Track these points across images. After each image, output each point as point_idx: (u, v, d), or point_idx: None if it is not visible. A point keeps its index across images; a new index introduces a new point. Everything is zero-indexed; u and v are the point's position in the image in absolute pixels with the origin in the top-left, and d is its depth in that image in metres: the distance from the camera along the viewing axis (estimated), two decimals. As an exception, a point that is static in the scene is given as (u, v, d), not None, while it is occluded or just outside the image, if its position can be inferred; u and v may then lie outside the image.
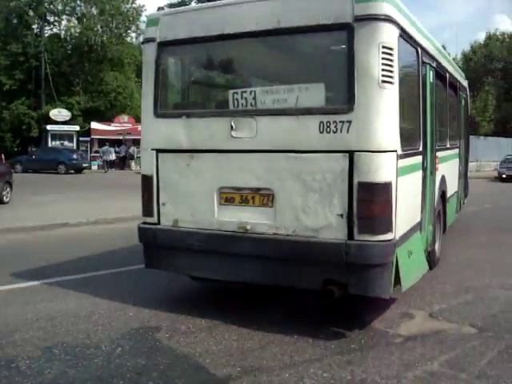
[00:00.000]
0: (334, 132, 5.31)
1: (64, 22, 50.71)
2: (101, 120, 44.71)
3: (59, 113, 43.26)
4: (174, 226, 6.23)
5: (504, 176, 33.63)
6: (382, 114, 5.21)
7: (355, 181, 5.23)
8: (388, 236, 5.30)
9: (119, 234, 12.08)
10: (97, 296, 6.95)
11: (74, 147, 41.50)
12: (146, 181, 6.38)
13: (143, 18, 50.61)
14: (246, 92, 5.95)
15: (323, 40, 5.86)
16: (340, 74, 5.47)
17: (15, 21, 48.71)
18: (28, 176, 30.84)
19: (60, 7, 49.92)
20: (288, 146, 5.55)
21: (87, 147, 42.39)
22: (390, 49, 5.23)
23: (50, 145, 41.69)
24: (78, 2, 49.88)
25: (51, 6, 49.43)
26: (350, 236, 5.29)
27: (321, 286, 5.46)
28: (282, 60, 6.52)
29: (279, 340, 5.43)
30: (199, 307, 6.48)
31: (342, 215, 5.33)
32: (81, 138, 43.00)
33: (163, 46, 6.27)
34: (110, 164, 40.93)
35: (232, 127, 5.79)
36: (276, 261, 5.63)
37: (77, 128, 42.84)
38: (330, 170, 5.35)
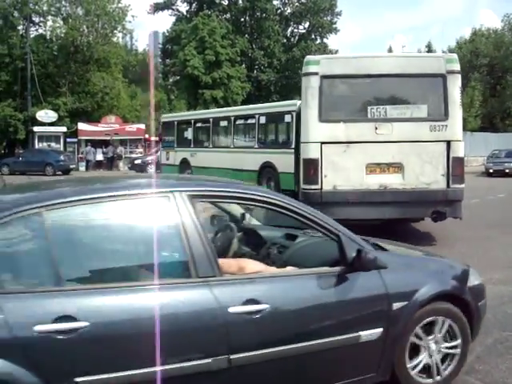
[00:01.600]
0: (439, 131, 10.40)
1: (49, 23, 50.40)
2: (88, 121, 44.52)
3: (46, 114, 42.99)
4: (334, 189, 10.20)
5: (491, 171, 33.90)
6: (460, 121, 10.73)
7: (451, 156, 10.40)
8: (463, 185, 10.65)
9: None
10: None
11: (61, 148, 41.28)
12: (312, 162, 10.30)
13: (129, 18, 50.56)
14: (380, 108, 10.59)
15: (428, 81, 10.83)
16: (440, 100, 10.63)
17: (0, 22, 48.39)
18: (15, 178, 30.62)
19: (45, 8, 49.60)
20: (411, 138, 10.31)
21: (74, 148, 42.15)
22: (460, 88, 10.74)
23: (36, 146, 41.42)
24: (63, 3, 49.56)
25: (36, 7, 49.10)
26: (448, 185, 10.42)
27: (430, 214, 10.48)
28: (402, 90, 11.06)
29: None
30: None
31: (443, 175, 10.41)
32: (68, 139, 42.74)
33: (324, 77, 10.33)
34: (97, 165, 40.76)
35: (376, 128, 10.35)
36: (404, 203, 10.18)
37: (64, 129, 42.59)
38: (436, 151, 10.41)
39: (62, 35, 48.49)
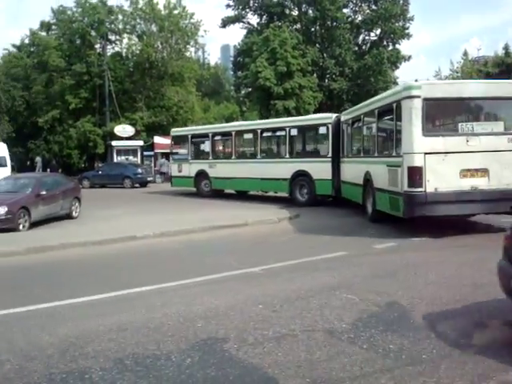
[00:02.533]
0: None
1: (125, 41, 52.22)
2: (163, 134, 45.54)
3: (123, 129, 44.38)
4: (435, 191, 11.92)
5: None
6: None
7: None
8: None
9: (184, 246, 12.30)
10: (166, 307, 7.05)
11: (139, 162, 42.42)
12: (418, 169, 11.92)
13: (201, 33, 51.54)
14: (468, 124, 12.44)
15: (507, 103, 12.66)
16: None
17: (78, 41, 50.46)
18: (95, 191, 31.75)
19: (121, 26, 51.41)
20: (494, 148, 12.08)
21: (151, 161, 43.23)
22: None
23: (115, 160, 42.74)
24: (138, 21, 51.15)
25: (112, 26, 50.98)
26: None
27: (510, 208, 11.55)
28: (486, 109, 13.37)
29: (348, 351, 5.35)
30: (266, 318, 6.47)
31: None
32: (145, 153, 43.90)
33: (425, 100, 11.96)
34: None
35: (467, 140, 12.06)
36: (490, 201, 11.99)
37: (141, 143, 43.79)
38: None
39: (138, 52, 50.03)
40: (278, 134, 22.23)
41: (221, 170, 23.91)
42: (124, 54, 52.39)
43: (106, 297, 7.82)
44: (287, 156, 21.26)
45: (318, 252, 10.71)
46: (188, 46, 53.19)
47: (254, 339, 5.78)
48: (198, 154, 25.82)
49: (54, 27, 54.50)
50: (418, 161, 11.93)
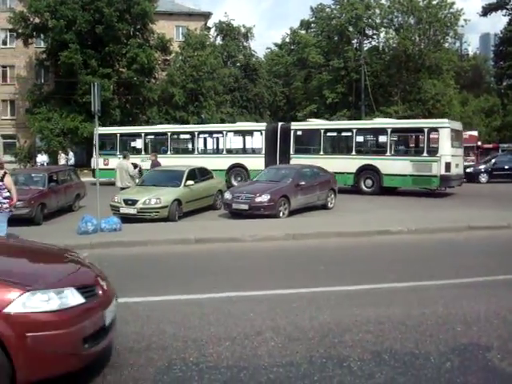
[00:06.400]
0: None
1: (382, 35, 52.21)
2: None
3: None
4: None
5: None
6: None
7: None
8: None
9: (439, 244, 11.84)
10: (423, 306, 6.85)
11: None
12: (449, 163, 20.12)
13: (461, 22, 49.15)
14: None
15: None
16: None
17: (336, 38, 51.81)
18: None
19: (378, 20, 51.54)
20: None
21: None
22: None
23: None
24: (396, 14, 50.67)
25: (369, 20, 51.32)
26: None
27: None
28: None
29: None
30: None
31: None
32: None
33: (451, 130, 21.04)
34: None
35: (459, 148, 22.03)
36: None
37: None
38: None
39: (395, 45, 49.63)
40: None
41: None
42: (380, 48, 52.41)
43: (361, 288, 7.87)
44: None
45: None
46: (447, 37, 51.17)
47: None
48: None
49: (312, 25, 56.81)
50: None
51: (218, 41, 58.71)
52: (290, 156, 25.38)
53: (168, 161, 24.27)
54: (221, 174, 19.19)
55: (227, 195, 16.62)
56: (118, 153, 30.46)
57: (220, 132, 28.64)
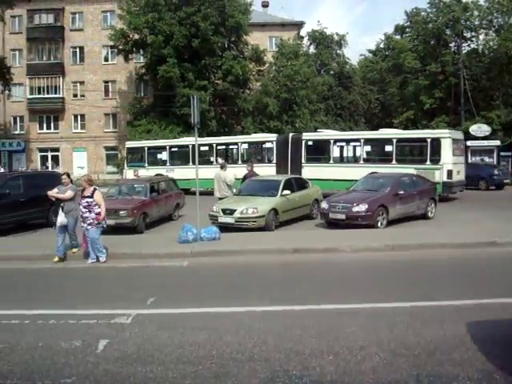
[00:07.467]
0: None
1: (481, 37, 50.21)
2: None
3: (479, 128, 42.64)
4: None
5: None
6: None
7: None
8: None
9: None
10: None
11: (495, 162, 40.26)
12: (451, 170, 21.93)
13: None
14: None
15: None
16: None
17: (433, 42, 50.38)
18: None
19: (476, 22, 49.59)
20: None
21: (508, 162, 40.64)
22: None
23: (469, 161, 41.42)
24: (495, 14, 48.60)
25: (467, 23, 49.50)
26: None
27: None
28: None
29: None
30: None
31: None
32: (501, 153, 41.49)
33: (452, 139, 23.84)
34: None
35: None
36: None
37: (497, 143, 41.50)
38: None
39: (495, 47, 47.59)
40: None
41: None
42: (480, 51, 50.40)
43: (470, 303, 7.50)
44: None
45: None
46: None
47: None
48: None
49: (407, 30, 55.59)
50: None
51: (312, 49, 58.74)
52: (301, 165, 27.48)
53: (188, 171, 27.03)
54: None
55: (324, 205, 16.53)
56: (146, 164, 33.82)
57: (235, 143, 31.77)
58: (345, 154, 28.11)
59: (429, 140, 24.14)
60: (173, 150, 34.11)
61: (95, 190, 11.90)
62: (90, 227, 11.65)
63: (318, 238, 13.97)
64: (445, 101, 47.91)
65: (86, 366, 5.54)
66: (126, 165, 36.43)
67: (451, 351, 5.58)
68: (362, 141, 26.54)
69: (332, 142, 27.17)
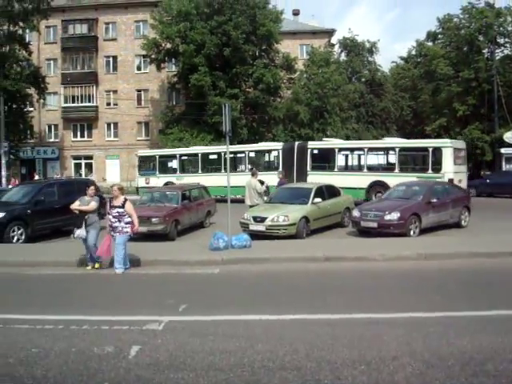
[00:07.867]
0: None
1: (516, 43, 49.35)
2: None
3: (513, 135, 41.98)
4: None
5: None
6: None
7: None
8: None
9: None
10: None
11: (533, 170, 39.50)
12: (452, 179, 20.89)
13: None
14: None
15: None
16: None
17: (465, 48, 49.75)
18: (483, 200, 30.72)
19: (510, 28, 48.78)
20: None
21: (544, 170, 39.79)
22: None
23: (503, 168, 40.74)
24: (531, 20, 47.76)
25: (500, 29, 48.75)
26: None
27: None
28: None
29: None
30: None
31: None
32: (537, 161, 40.72)
33: (454, 148, 24.32)
34: None
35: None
36: None
37: (535, 149, 40.76)
38: None
39: (531, 53, 46.81)
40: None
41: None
42: (515, 57, 49.57)
43: (504, 314, 7.39)
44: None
45: None
46: None
47: None
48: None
49: (439, 36, 55.01)
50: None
51: (343, 57, 58.57)
52: (307, 172, 28.18)
53: (198, 179, 27.28)
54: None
55: (355, 213, 16.45)
56: (157, 172, 34.28)
57: (242, 152, 32.16)
58: (349, 163, 28.65)
59: (430, 149, 24.63)
60: (183, 158, 34.95)
61: (126, 200, 11.84)
62: (118, 234, 11.66)
63: (350, 247, 13.89)
64: (478, 108, 47.12)
65: (118, 371, 5.59)
66: (137, 173, 36.94)
67: (485, 362, 5.49)
68: (365, 150, 27.11)
69: (337, 150, 27.86)
